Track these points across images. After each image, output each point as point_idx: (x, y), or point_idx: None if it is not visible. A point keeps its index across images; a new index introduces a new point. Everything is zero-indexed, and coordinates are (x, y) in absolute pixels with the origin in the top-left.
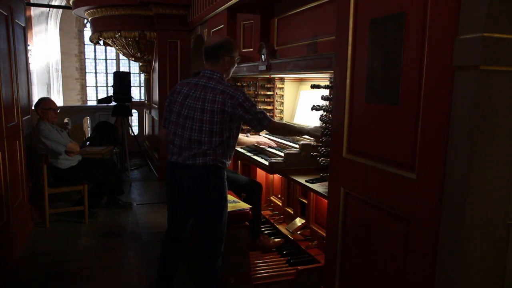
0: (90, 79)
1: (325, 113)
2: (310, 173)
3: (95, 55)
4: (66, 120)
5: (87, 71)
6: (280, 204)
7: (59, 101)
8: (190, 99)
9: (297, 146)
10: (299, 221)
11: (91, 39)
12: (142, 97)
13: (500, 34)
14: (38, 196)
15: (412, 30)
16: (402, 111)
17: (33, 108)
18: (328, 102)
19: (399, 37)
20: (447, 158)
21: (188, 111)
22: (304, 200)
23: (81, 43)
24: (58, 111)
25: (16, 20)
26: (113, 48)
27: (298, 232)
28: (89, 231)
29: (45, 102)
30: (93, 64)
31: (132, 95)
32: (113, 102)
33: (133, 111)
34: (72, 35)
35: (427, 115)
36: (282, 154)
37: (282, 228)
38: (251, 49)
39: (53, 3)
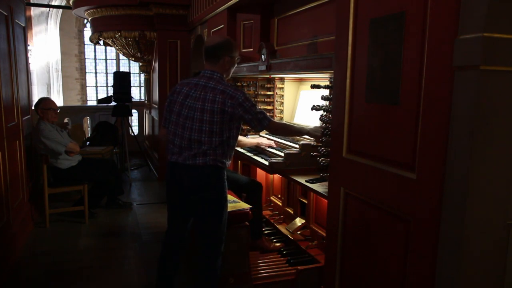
0: (90, 79)
1: (325, 113)
2: (310, 173)
3: (95, 55)
4: (66, 120)
5: (87, 71)
6: (280, 204)
7: (59, 101)
8: (190, 99)
9: (297, 146)
10: (299, 221)
11: (91, 39)
12: (142, 97)
13: (500, 34)
14: (38, 196)
15: (412, 30)
16: (402, 111)
17: (33, 108)
18: (328, 102)
19: (399, 37)
20: (447, 158)
21: (188, 111)
22: (304, 200)
23: (81, 43)
24: (58, 111)
25: (16, 20)
26: (113, 48)
27: (298, 232)
28: (89, 231)
29: (45, 102)
30: (93, 64)
31: (132, 95)
32: (113, 102)
33: (133, 111)
34: (72, 35)
35: (427, 115)
36: (282, 154)
37: (282, 228)
38: (251, 49)
39: (53, 3)
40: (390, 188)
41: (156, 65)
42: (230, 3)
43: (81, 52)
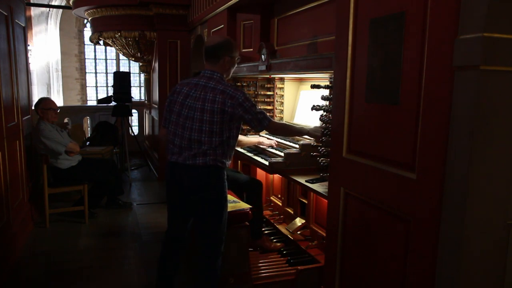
0: (90, 79)
1: (325, 113)
2: (310, 173)
3: (95, 55)
4: (66, 120)
5: (87, 71)
6: (280, 204)
7: (59, 101)
8: (190, 99)
9: (297, 146)
10: (299, 221)
11: (91, 39)
12: (142, 97)
13: (500, 34)
14: (38, 196)
15: (412, 30)
16: (402, 111)
17: (33, 108)
18: (328, 102)
19: (399, 37)
20: (447, 158)
21: (188, 111)
22: (304, 200)
23: (81, 43)
24: (58, 111)
25: (16, 20)
26: (113, 48)
27: (298, 232)
28: (89, 231)
29: (45, 102)
30: (93, 64)
31: (132, 95)
32: (113, 102)
33: (133, 111)
34: (72, 35)
35: (427, 115)
36: (282, 154)
37: (282, 228)
38: (251, 49)
39: (53, 3)
40: (390, 188)
41: (156, 65)
42: (230, 3)
43: (81, 52)
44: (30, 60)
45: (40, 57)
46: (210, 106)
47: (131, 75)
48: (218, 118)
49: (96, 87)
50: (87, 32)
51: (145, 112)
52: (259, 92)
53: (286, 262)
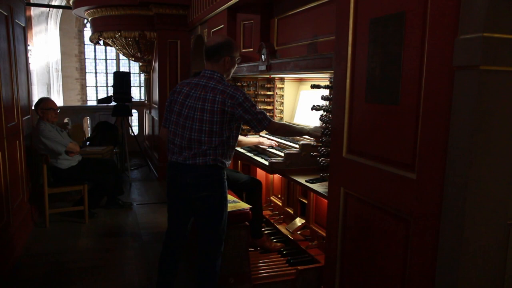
0: (90, 79)
1: (325, 113)
2: (310, 173)
3: (95, 55)
4: (66, 120)
5: (87, 71)
6: (280, 204)
7: (59, 101)
8: (190, 99)
9: (297, 146)
10: (299, 221)
11: (91, 39)
12: (142, 97)
13: (500, 34)
14: (38, 196)
15: (412, 30)
16: (402, 111)
17: (33, 108)
18: (328, 102)
19: (399, 37)
20: (447, 158)
21: (188, 111)
22: (304, 200)
23: (81, 43)
24: (58, 111)
25: (16, 20)
26: (113, 48)
27: (298, 232)
28: (89, 231)
29: (45, 102)
30: (93, 64)
31: (132, 95)
32: (113, 102)
33: (133, 111)
34: (72, 35)
35: (427, 115)
36: (282, 154)
37: (282, 228)
38: (251, 49)
39: (53, 3)
40: (390, 188)
41: (156, 65)
42: (230, 3)
43: (81, 52)
44: (30, 60)
45: (40, 57)
46: (210, 106)
47: (131, 75)
48: (218, 118)
49: (96, 87)
50: (87, 32)
51: (145, 112)
52: (259, 92)
53: (286, 262)
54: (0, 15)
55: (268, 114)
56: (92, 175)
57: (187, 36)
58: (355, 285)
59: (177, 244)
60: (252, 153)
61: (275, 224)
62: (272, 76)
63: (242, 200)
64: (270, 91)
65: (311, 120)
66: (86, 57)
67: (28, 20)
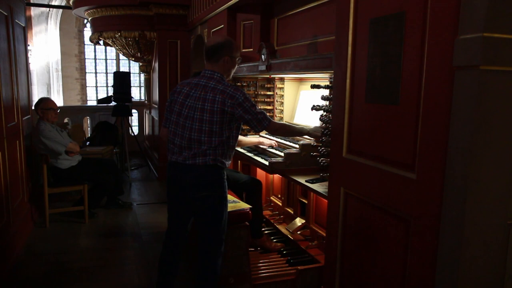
0: (90, 79)
1: (325, 113)
2: (310, 173)
3: (95, 55)
4: (66, 120)
5: (87, 71)
6: (280, 204)
7: (59, 101)
8: (190, 99)
9: (297, 146)
10: (299, 221)
11: (91, 39)
12: (142, 97)
13: (500, 34)
14: (38, 196)
15: (412, 30)
16: (402, 111)
17: (33, 108)
18: (328, 102)
19: (399, 37)
20: (447, 158)
21: (188, 111)
22: (304, 200)
23: (81, 43)
24: (58, 111)
25: (16, 20)
26: (113, 48)
27: (298, 232)
28: (89, 231)
29: (45, 102)
30: (93, 64)
31: (132, 95)
32: (113, 102)
33: (133, 111)
34: (72, 35)
35: (427, 115)
36: (282, 154)
37: (282, 228)
38: (251, 49)
39: (53, 3)
40: (390, 188)
41: (156, 65)
42: (230, 3)
43: (81, 52)
44: (30, 60)
45: (40, 57)
46: (210, 106)
47: (131, 75)
48: (218, 118)
49: (96, 87)
50: (87, 32)
51: (145, 112)
52: (259, 92)
53: (286, 262)
54: (0, 15)
55: (268, 114)
56: (92, 175)
57: (187, 36)
58: (355, 285)
59: (177, 244)
60: (252, 153)
61: (275, 224)
62: (272, 76)
63: (242, 200)
64: (270, 91)
65: (311, 120)
66: (86, 57)
67: (28, 20)
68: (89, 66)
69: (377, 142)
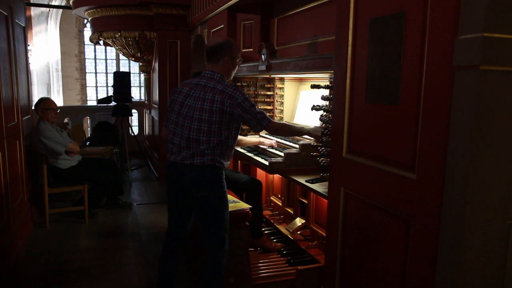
0: (90, 79)
1: (325, 113)
2: (310, 173)
3: (95, 55)
4: (66, 120)
5: (87, 71)
6: (280, 204)
7: (59, 101)
8: (190, 98)
9: (297, 146)
10: (299, 221)
11: (91, 39)
12: (142, 97)
13: (500, 34)
14: (38, 196)
15: (412, 30)
16: (402, 111)
17: (33, 108)
18: (328, 102)
19: (399, 37)
20: (447, 158)
21: (187, 111)
22: (304, 200)
23: (81, 43)
24: (58, 111)
25: (16, 20)
26: (113, 48)
27: (298, 232)
28: (89, 231)
29: (45, 102)
30: (93, 64)
31: (132, 95)
32: (113, 102)
33: (133, 111)
34: (72, 35)
35: (427, 115)
36: (282, 154)
37: (282, 228)
38: (251, 49)
39: (53, 3)
40: (390, 188)
41: (156, 65)
42: (230, 3)
43: (81, 52)
44: (30, 60)
45: (40, 57)
46: (209, 106)
47: (131, 75)
48: (217, 118)
49: (96, 87)
50: (87, 32)
51: (145, 112)
52: (259, 92)
53: (286, 262)
54: (0, 15)
55: (268, 114)
56: (92, 175)
57: (187, 36)
58: (355, 285)
59: (177, 244)
60: (252, 153)
61: (275, 224)
62: (272, 76)
63: (242, 200)
64: (270, 91)
65: (311, 120)
66: (86, 57)
67: (28, 20)
68: (89, 66)
69: (377, 142)
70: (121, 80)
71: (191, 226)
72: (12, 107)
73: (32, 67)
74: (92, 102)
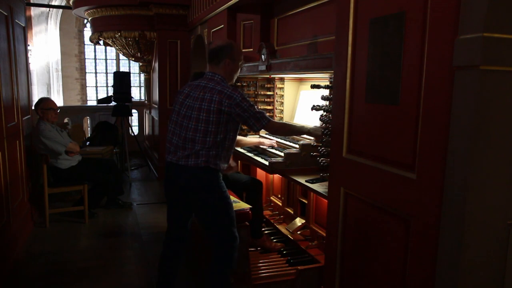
0: (90, 79)
1: (325, 113)
2: (310, 173)
3: (95, 55)
4: (66, 120)
5: (87, 71)
6: (280, 204)
7: (59, 101)
8: (189, 99)
9: (297, 146)
10: (299, 221)
11: (91, 39)
12: (142, 97)
13: (500, 34)
14: (38, 196)
15: (412, 30)
16: (402, 111)
17: (33, 108)
18: (328, 102)
19: (399, 37)
20: (447, 158)
21: (186, 110)
22: (304, 200)
23: (81, 43)
24: (58, 111)
25: (16, 20)
26: (113, 48)
27: (298, 232)
28: (89, 231)
29: (45, 102)
30: (93, 64)
31: (132, 95)
32: (113, 102)
33: (133, 111)
34: (72, 35)
35: (427, 115)
36: (282, 154)
37: (282, 228)
38: (251, 49)
39: (53, 3)
40: (390, 188)
41: (156, 65)
42: (230, 3)
43: (81, 52)
44: (30, 60)
45: (40, 57)
46: (207, 106)
47: (131, 75)
48: (215, 118)
49: (96, 87)
50: (87, 32)
51: (145, 112)
52: (259, 92)
53: (286, 262)
54: (0, 15)
55: (268, 114)
56: (92, 175)
57: (187, 36)
58: (355, 285)
59: (177, 244)
60: (252, 153)
61: (275, 224)
62: (272, 76)
63: (242, 200)
64: (270, 91)
65: (311, 120)
66: (86, 57)
67: (28, 20)
68: (89, 66)
69: (377, 142)
70: (121, 80)
71: (191, 225)
72: (12, 107)
73: (32, 67)
74: (92, 102)
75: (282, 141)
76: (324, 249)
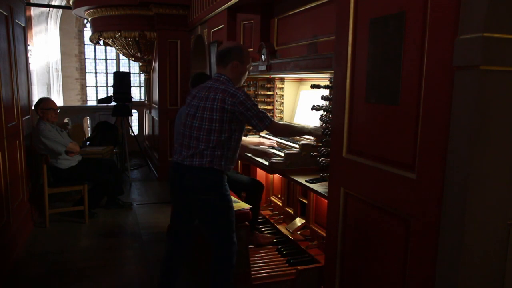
0: (90, 79)
1: (325, 113)
2: (310, 173)
3: (95, 55)
4: (66, 120)
5: (87, 71)
6: (280, 204)
7: (59, 101)
8: (195, 99)
9: (297, 146)
10: (299, 221)
11: (91, 39)
12: (142, 97)
13: (500, 34)
14: (38, 196)
15: (412, 30)
16: (402, 111)
17: (33, 108)
18: (328, 102)
19: (399, 37)
20: (447, 158)
21: (192, 110)
22: (304, 200)
23: (81, 43)
24: (58, 111)
25: (16, 20)
26: (113, 48)
27: (298, 232)
28: (89, 231)
29: (45, 102)
30: (93, 64)
31: (132, 95)
32: (113, 102)
33: (133, 111)
34: (72, 35)
35: (427, 115)
36: (282, 154)
37: (282, 228)
38: (251, 49)
39: (53, 3)
40: (390, 188)
41: (156, 65)
42: (230, 3)
43: (81, 52)
44: (30, 60)
45: (40, 57)
46: (210, 104)
47: (131, 75)
48: (218, 116)
49: (96, 87)
50: (87, 32)
51: (145, 112)
52: (259, 92)
53: (286, 262)
54: (0, 15)
55: (268, 114)
56: (92, 175)
57: (187, 36)
58: (355, 285)
59: (181, 244)
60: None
61: (275, 224)
62: (272, 76)
63: (242, 200)
64: (270, 91)
65: (311, 120)
66: (86, 57)
67: (28, 20)
68: (89, 66)
69: (377, 142)
70: (121, 80)
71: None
72: (12, 107)
73: (32, 67)
74: (92, 102)
75: (282, 141)
76: (324, 249)
